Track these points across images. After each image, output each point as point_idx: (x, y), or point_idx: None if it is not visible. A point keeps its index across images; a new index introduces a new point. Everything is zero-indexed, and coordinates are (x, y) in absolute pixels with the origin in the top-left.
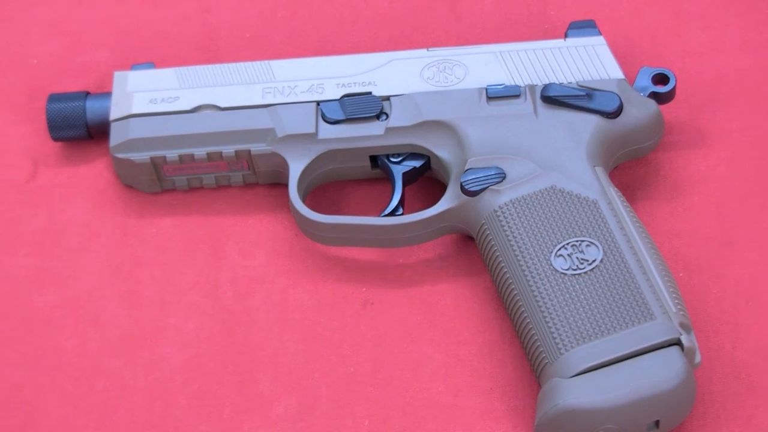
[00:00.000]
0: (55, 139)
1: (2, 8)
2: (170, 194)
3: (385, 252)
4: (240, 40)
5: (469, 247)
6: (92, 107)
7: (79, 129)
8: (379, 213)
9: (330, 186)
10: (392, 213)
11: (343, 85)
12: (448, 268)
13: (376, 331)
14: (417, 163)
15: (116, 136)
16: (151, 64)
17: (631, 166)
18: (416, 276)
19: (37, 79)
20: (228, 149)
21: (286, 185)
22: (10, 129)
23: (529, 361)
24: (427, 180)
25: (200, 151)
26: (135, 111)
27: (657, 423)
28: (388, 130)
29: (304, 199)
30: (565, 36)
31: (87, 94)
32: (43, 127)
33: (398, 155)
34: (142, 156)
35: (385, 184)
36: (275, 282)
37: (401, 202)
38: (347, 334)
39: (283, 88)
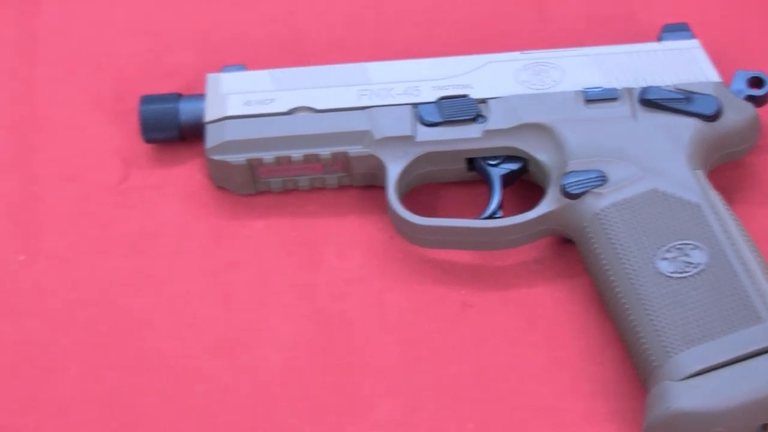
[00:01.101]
0: (147, 140)
1: (90, 10)
2: (263, 196)
3: (481, 254)
4: (326, 43)
5: (565, 249)
6: (185, 109)
7: (172, 131)
8: (472, 215)
9: (423, 188)
10: (491, 216)
11: (439, 87)
12: (544, 271)
13: (475, 334)
14: (514, 166)
15: (212, 138)
16: (242, 66)
17: (727, 169)
18: (513, 278)
19: (124, 81)
20: (325, 151)
21: (379, 187)
22: (100, 130)
23: (635, 364)
24: (520, 182)
25: (297, 154)
26: (230, 113)
27: (765, 426)
28: (486, 132)
29: (400, 202)
30: (659, 39)
31: (179, 95)
32: (132, 129)
33: (495, 158)
34: (238, 158)
35: (478, 186)
36: (372, 284)
37: (500, 205)
38: (447, 337)
39: (379, 90)
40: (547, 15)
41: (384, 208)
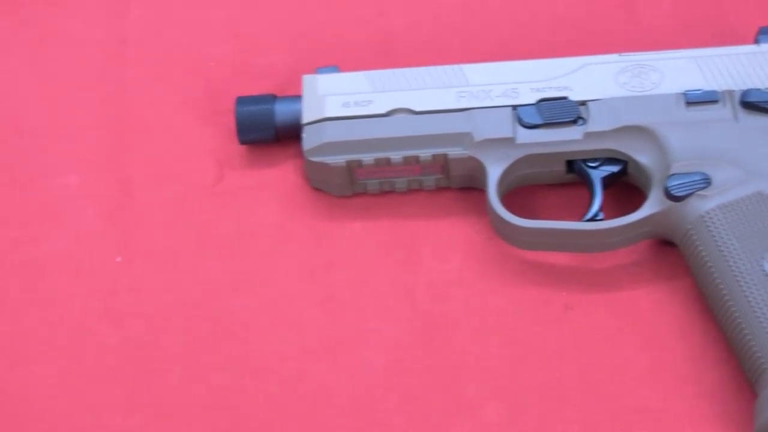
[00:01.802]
0: (243, 142)
1: (179, 11)
2: (359, 198)
3: (579, 256)
4: (415, 44)
5: (664, 251)
6: (281, 110)
7: (268, 132)
8: (569, 217)
9: (519, 190)
10: (593, 218)
11: (538, 89)
12: (644, 273)
13: (577, 336)
14: (615, 168)
15: (310, 139)
16: (335, 68)
17: None
18: (614, 281)
19: (215, 82)
20: (425, 153)
21: (477, 189)
22: (193, 132)
23: (743, 367)
24: (615, 184)
25: (397, 155)
26: (328, 114)
27: None
28: (587, 134)
29: (501, 204)
30: (756, 41)
31: (274, 97)
32: (225, 130)
33: (595, 160)
34: (337, 159)
35: (572, 188)
36: (472, 286)
37: (600, 207)
38: (549, 339)
39: (477, 92)
40: (637, 16)
41: (481, 210)
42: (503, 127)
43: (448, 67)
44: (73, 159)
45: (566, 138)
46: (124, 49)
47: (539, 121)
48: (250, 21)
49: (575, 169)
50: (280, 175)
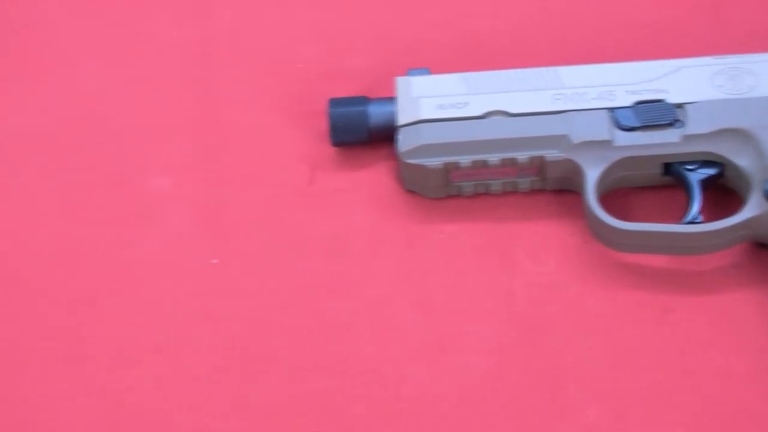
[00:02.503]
0: (336, 143)
1: (265, 12)
2: (453, 200)
3: (677, 259)
4: (502, 46)
5: (761, 254)
6: (374, 112)
7: (361, 134)
8: (665, 219)
9: (613, 193)
10: (692, 221)
11: (634, 92)
12: (742, 276)
13: (678, 339)
14: (712, 171)
15: (407, 141)
16: (427, 70)
17: None
18: (712, 284)
19: (304, 83)
20: (522, 155)
21: (571, 192)
22: (283, 133)
23: None
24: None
25: (494, 158)
26: (424, 116)
27: None
28: (685, 137)
29: (600, 206)
30: None
31: (366, 98)
32: (315, 132)
33: (692, 163)
34: (434, 161)
35: (665, 190)
36: (570, 289)
37: (700, 210)
38: (649, 342)
39: (573, 94)
40: (726, 19)
41: (575, 212)
42: (600, 129)
43: (542, 69)
44: (166, 161)
45: (664, 141)
46: (213, 51)
47: (637, 124)
48: (337, 22)
49: (672, 171)
50: (372, 178)
